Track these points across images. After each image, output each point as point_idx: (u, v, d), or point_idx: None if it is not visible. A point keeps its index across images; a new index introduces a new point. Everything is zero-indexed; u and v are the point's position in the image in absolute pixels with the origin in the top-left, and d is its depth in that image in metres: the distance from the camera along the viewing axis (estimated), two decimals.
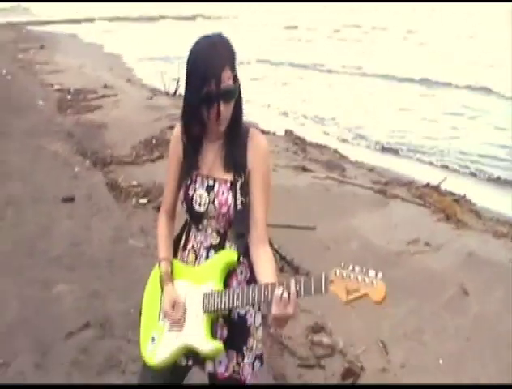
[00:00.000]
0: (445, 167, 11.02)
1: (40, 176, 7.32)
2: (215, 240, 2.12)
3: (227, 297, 1.99)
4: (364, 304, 4.73)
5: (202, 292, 2.06)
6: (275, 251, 5.76)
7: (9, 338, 3.66)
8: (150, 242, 5.66)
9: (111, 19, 38.44)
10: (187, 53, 1.96)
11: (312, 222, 6.56)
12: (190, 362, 2.17)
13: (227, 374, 2.14)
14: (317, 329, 4.48)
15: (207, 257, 2.13)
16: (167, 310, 2.10)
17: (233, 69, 1.97)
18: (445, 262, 5.54)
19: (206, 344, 2.03)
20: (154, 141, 9.85)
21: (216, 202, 2.05)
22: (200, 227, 2.13)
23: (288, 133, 11.97)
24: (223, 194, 2.05)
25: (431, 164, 11.29)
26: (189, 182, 2.10)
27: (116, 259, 5.10)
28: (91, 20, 37.87)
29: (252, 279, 2.12)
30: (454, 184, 8.97)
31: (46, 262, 4.81)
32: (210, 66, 1.89)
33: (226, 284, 2.08)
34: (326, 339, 4.34)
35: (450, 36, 30.66)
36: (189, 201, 2.09)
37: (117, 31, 33.91)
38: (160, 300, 2.18)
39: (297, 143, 11.08)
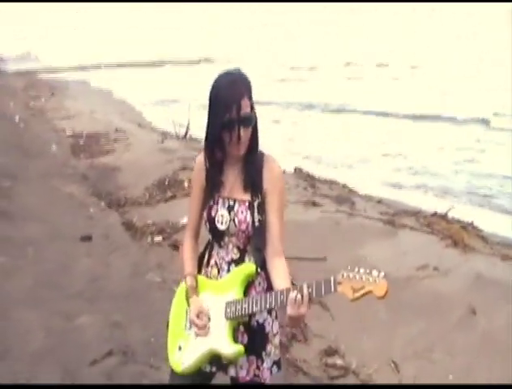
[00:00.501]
0: (452, 197, 11.20)
1: (57, 216, 7.57)
2: (236, 255, 2.36)
3: (247, 304, 2.23)
4: (376, 325, 4.93)
5: (224, 301, 2.30)
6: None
7: (36, 365, 3.83)
8: (167, 277, 5.88)
9: (118, 65, 39.32)
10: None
11: (323, 254, 6.73)
12: (214, 368, 2.39)
13: (248, 378, 2.36)
14: (331, 352, 4.63)
15: (228, 270, 2.37)
16: (193, 319, 2.32)
17: (250, 98, 2.26)
18: (454, 284, 5.68)
19: (229, 348, 2.25)
20: (166, 182, 10.14)
21: (236, 220, 2.30)
22: (222, 244, 2.37)
23: (298, 170, 12.22)
24: (242, 212, 2.30)
25: (437, 195, 11.50)
26: (212, 203, 2.35)
27: (134, 293, 5.31)
28: (98, 67, 38.70)
29: (269, 289, 2.35)
30: (462, 213, 9.15)
31: (67, 297, 5.01)
32: (231, 96, 2.17)
33: (246, 294, 2.33)
34: (339, 361, 4.49)
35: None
36: (212, 220, 2.33)
37: (124, 76, 34.70)
38: (186, 312, 2.41)
39: (307, 179, 11.31)
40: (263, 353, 2.38)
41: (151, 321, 4.68)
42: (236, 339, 2.30)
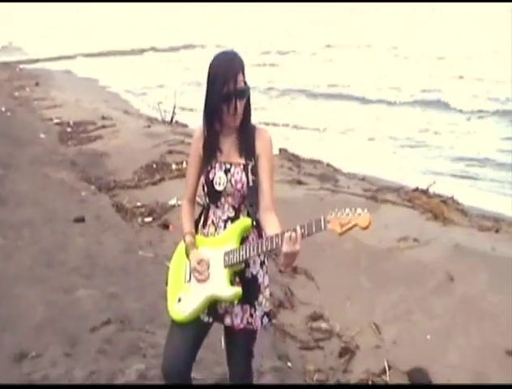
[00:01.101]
0: (434, 172, 11.49)
1: (50, 201, 7.76)
2: (231, 213, 2.62)
3: (244, 251, 2.50)
4: (358, 293, 5.22)
5: (222, 252, 2.56)
6: (274, 254, 6.21)
7: (39, 335, 4.05)
8: (158, 253, 6.12)
9: (102, 54, 39.19)
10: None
11: None
12: (211, 319, 2.66)
13: (242, 326, 2.63)
14: (316, 317, 4.93)
15: (225, 228, 2.63)
16: (194, 266, 2.58)
17: (244, 75, 2.56)
18: (433, 254, 5.96)
19: (228, 291, 2.52)
20: (154, 165, 10.35)
21: (233, 180, 2.57)
22: (219, 204, 2.63)
23: (283, 151, 12.45)
24: (238, 174, 2.58)
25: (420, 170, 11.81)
26: (209, 168, 2.61)
27: (128, 267, 5.55)
28: (82, 55, 38.51)
29: None
30: (443, 187, 9.44)
31: (65, 273, 5.23)
32: (228, 71, 2.47)
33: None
34: (324, 325, 4.78)
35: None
36: (210, 182, 2.59)
37: (108, 65, 34.60)
38: (185, 268, 2.67)
39: (291, 159, 11.57)
40: (256, 303, 2.63)
41: (145, 292, 4.93)
42: (233, 284, 2.57)
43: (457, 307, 4.92)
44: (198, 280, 2.58)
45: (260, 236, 2.64)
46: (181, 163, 10.39)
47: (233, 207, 2.63)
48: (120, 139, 12.67)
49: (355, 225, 2.30)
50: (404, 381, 4.11)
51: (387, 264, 5.85)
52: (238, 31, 44.22)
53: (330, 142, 14.84)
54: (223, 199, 2.61)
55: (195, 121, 17.67)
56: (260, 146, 2.62)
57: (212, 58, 2.56)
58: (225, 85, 2.46)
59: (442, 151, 13.41)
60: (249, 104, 2.62)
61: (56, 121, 16.94)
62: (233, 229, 2.59)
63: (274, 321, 4.84)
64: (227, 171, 2.59)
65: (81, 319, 4.30)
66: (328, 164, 11.42)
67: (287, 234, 2.34)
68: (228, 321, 2.63)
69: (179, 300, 2.64)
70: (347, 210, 2.33)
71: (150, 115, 18.06)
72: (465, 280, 5.29)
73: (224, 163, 2.61)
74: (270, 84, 24.24)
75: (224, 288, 2.53)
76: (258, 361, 3.90)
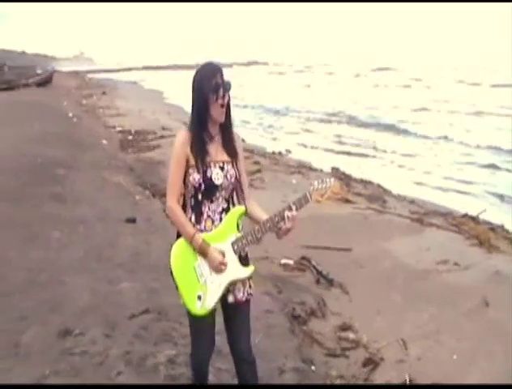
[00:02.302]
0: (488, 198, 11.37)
1: (105, 202, 8.20)
2: (224, 205, 2.97)
3: (251, 236, 2.90)
4: (390, 309, 5.31)
5: (229, 242, 2.90)
6: (313, 267, 6.39)
7: (83, 316, 4.38)
8: None
9: (169, 67, 40.39)
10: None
11: (349, 245, 7.16)
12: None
13: (244, 298, 2.97)
14: (345, 328, 5.07)
15: (221, 219, 2.94)
16: (220, 260, 2.85)
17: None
18: (471, 279, 5.98)
19: (245, 271, 2.92)
20: None
21: (228, 175, 2.95)
22: (213, 199, 2.94)
23: (334, 170, 12.64)
24: (230, 170, 2.97)
25: (473, 195, 11.73)
26: (205, 168, 2.91)
27: None
28: (149, 68, 39.80)
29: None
30: (495, 216, 9.35)
31: (112, 267, 5.58)
32: (215, 69, 2.94)
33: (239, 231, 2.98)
34: (352, 335, 4.92)
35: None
36: (209, 179, 2.91)
37: (175, 78, 35.62)
38: (193, 267, 2.89)
39: (342, 178, 11.73)
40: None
41: None
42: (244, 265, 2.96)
43: (487, 332, 4.94)
44: (221, 271, 2.86)
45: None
46: None
47: (225, 200, 2.98)
48: None
49: (331, 192, 2.92)
50: None
51: (422, 284, 5.92)
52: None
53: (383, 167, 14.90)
54: (217, 193, 2.94)
55: (250, 135, 18.18)
56: (237, 146, 3.05)
57: (199, 67, 3.01)
58: (214, 79, 2.88)
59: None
60: (230, 104, 3.01)
61: (118, 128, 17.70)
62: (230, 219, 2.93)
63: (303, 327, 5.04)
64: (221, 168, 2.96)
65: (122, 307, 4.60)
66: (379, 186, 11.50)
67: (287, 213, 2.86)
68: (230, 299, 2.95)
69: (199, 298, 2.87)
70: (322, 183, 2.92)
71: None
72: (500, 307, 5.30)
73: (218, 162, 2.96)
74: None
75: (240, 270, 2.90)
76: (280, 361, 4.11)
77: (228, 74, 2.99)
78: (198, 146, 2.92)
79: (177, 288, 2.94)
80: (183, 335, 4.10)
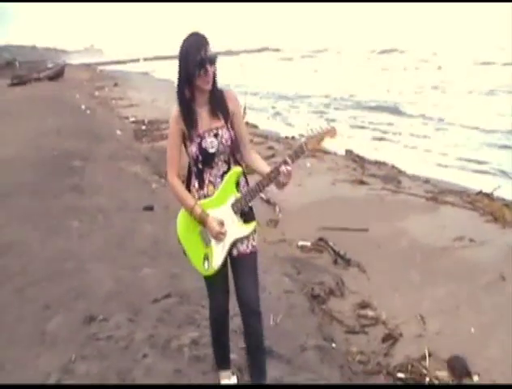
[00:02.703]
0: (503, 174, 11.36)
1: (123, 191, 8.31)
2: (225, 167, 3.08)
3: (249, 196, 3.03)
4: (408, 286, 5.37)
5: (229, 204, 3.04)
6: (330, 248, 6.47)
7: (106, 303, 4.49)
8: None
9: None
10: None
11: (366, 226, 7.21)
12: None
13: (248, 250, 3.10)
14: (364, 305, 5.15)
15: (222, 181, 3.06)
16: (218, 230, 3.00)
17: (210, 48, 3.00)
18: (487, 254, 6.04)
19: (247, 229, 3.06)
20: None
21: (223, 140, 3.03)
22: (213, 164, 3.05)
23: (348, 152, 12.65)
24: (225, 134, 3.04)
25: (487, 172, 11.70)
26: (199, 140, 3.01)
27: None
28: (160, 58, 39.84)
29: (248, 184, 3.14)
30: (510, 193, 9.32)
31: (132, 254, 5.68)
32: (200, 42, 2.96)
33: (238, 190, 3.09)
34: (370, 313, 5.00)
35: None
36: (203, 150, 3.01)
37: None
38: (198, 233, 3.08)
39: (356, 160, 11.76)
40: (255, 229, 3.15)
41: None
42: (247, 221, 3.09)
43: (505, 305, 4.99)
44: (220, 240, 3.03)
45: (246, 179, 3.14)
46: None
47: (225, 162, 3.08)
48: None
49: (327, 137, 2.95)
50: (444, 368, 4.28)
51: (439, 261, 5.98)
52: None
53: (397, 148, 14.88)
54: (216, 159, 3.04)
55: (263, 121, 18.21)
56: (231, 105, 3.09)
57: (184, 38, 3.02)
58: (198, 53, 2.92)
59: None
60: (216, 73, 3.04)
61: (132, 119, 17.82)
62: (228, 181, 3.05)
63: (323, 306, 5.12)
64: (216, 135, 3.03)
65: (144, 293, 4.70)
66: (393, 166, 11.50)
67: (282, 168, 2.90)
68: (234, 252, 3.09)
69: (206, 259, 3.09)
70: (317, 128, 2.94)
71: None
72: None
73: (211, 130, 3.03)
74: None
75: (242, 228, 3.06)
76: (302, 339, 4.20)
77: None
78: (189, 119, 3.03)
79: (184, 253, 3.19)
80: (206, 317, 4.15)
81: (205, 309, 4.40)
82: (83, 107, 19.16)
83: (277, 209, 8.08)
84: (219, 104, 3.07)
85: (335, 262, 6.16)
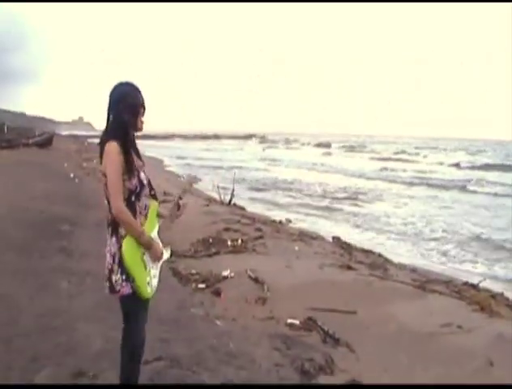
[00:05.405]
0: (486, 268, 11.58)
1: None
2: (146, 201, 3.52)
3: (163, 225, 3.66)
4: (396, 367, 5.32)
5: (155, 232, 3.55)
6: (319, 327, 6.42)
7: (96, 362, 4.40)
8: (209, 312, 6.48)
9: (167, 137, 41.31)
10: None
11: (354, 308, 7.20)
12: None
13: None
14: (354, 384, 5.06)
15: (146, 214, 3.49)
16: (162, 250, 3.55)
17: None
18: (475, 341, 6.07)
19: (168, 253, 3.69)
20: (211, 240, 10.85)
21: (147, 177, 3.55)
22: (141, 197, 3.46)
23: (336, 239, 12.80)
24: (145, 172, 3.55)
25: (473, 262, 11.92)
26: (137, 173, 3.44)
27: (180, 320, 5.90)
28: (150, 137, 40.60)
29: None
30: (494, 285, 9.50)
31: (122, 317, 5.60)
32: (137, 87, 3.51)
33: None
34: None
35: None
36: (142, 183, 3.47)
37: (174, 147, 36.36)
38: (141, 258, 3.40)
39: (344, 247, 11.88)
40: None
41: (194, 343, 5.24)
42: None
43: None
44: (160, 259, 3.56)
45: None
46: (237, 240, 10.85)
47: (145, 195, 3.51)
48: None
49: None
50: None
51: (428, 346, 5.98)
52: None
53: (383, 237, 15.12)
54: (144, 192, 3.49)
55: (251, 206, 18.44)
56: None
57: (118, 86, 3.47)
58: (140, 94, 3.47)
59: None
60: None
61: None
62: (153, 212, 3.54)
63: (313, 382, 5.05)
64: (144, 172, 3.53)
65: None
66: (380, 255, 11.64)
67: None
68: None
69: (148, 283, 3.48)
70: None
71: (209, 195, 18.85)
72: (505, 366, 5.39)
73: (141, 166, 3.52)
74: None
75: (166, 253, 3.62)
76: None
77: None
78: (130, 154, 3.41)
79: (133, 280, 3.40)
80: (196, 382, 4.14)
81: (195, 374, 4.35)
82: (71, 175, 19.26)
83: (265, 287, 8.05)
84: (138, 149, 3.57)
85: (324, 340, 6.11)
